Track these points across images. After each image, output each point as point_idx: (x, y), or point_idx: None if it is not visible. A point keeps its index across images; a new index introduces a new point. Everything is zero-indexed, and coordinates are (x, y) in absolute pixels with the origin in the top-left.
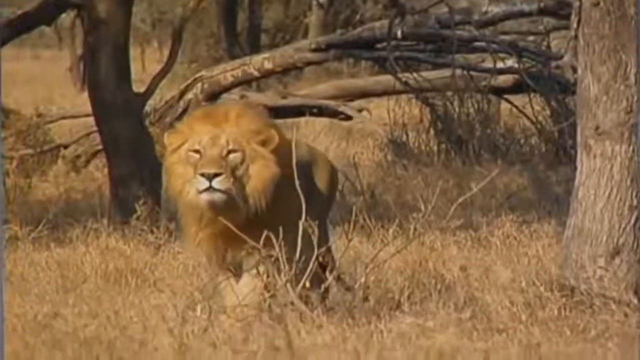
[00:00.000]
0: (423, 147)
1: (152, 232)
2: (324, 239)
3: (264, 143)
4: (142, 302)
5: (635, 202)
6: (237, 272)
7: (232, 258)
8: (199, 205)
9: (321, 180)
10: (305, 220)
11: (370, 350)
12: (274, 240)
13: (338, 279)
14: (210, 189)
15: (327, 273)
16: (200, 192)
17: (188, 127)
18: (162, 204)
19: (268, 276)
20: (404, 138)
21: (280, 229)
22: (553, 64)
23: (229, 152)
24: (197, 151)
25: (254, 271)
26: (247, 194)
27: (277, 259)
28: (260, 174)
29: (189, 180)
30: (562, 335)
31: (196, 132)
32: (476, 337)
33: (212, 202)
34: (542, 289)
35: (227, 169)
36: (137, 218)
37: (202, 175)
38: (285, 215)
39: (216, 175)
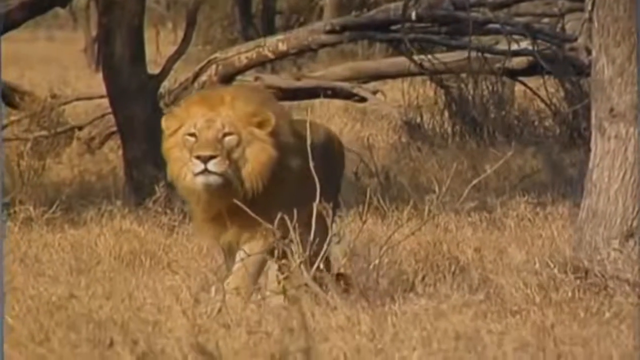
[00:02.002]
0: (437, 129)
1: (166, 213)
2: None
3: (260, 125)
4: (156, 284)
5: None
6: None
7: (234, 240)
8: (195, 188)
9: (329, 160)
10: (307, 203)
11: (384, 332)
12: (284, 223)
13: (338, 276)
14: (205, 171)
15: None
16: (196, 174)
17: (184, 111)
18: None
19: (282, 258)
20: (419, 120)
21: (276, 211)
22: (567, 46)
23: (225, 135)
24: (192, 134)
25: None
26: (244, 176)
27: (289, 242)
28: (256, 156)
29: (185, 163)
30: (575, 317)
31: (192, 115)
32: (490, 319)
33: (208, 185)
34: (556, 271)
35: (222, 151)
36: (155, 200)
37: (198, 157)
38: (284, 198)
39: (211, 157)
